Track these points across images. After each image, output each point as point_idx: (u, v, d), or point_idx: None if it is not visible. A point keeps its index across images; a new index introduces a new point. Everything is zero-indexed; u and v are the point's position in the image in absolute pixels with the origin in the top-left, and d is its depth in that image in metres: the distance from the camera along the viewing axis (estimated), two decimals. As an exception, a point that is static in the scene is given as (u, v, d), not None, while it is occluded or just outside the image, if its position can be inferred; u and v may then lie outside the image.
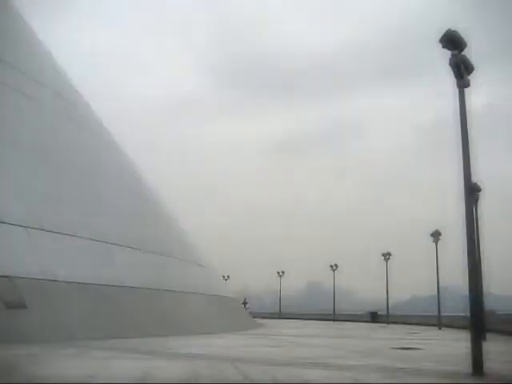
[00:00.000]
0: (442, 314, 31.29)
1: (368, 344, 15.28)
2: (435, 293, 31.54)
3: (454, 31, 8.37)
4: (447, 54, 8.46)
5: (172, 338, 14.15)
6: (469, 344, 7.88)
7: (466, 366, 7.85)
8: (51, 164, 16.41)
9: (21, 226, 13.07)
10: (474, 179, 9.36)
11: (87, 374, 6.48)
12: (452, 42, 8.36)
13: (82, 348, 9.86)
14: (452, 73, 8.53)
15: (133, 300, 15.85)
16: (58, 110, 19.00)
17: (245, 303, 43.38)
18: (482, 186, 19.81)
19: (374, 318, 45.03)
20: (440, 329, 28.93)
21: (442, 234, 30.21)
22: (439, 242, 30.17)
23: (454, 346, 14.98)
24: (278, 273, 58.04)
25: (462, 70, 8.42)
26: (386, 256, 41.74)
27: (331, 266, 49.50)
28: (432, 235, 30.33)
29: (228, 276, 55.57)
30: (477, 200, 19.37)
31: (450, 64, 8.45)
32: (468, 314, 8.23)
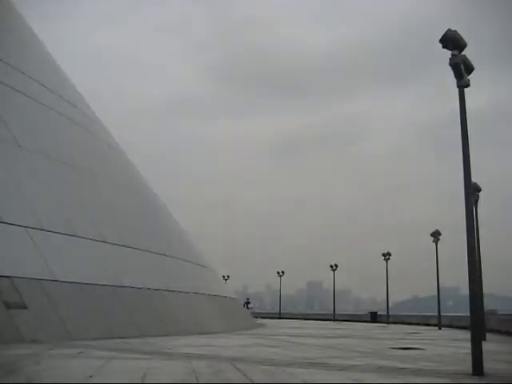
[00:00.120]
0: (442, 314, 31.30)
1: (368, 344, 15.28)
2: (435, 293, 31.55)
3: (454, 31, 8.38)
4: (447, 53, 8.48)
5: (172, 338, 14.16)
6: (469, 344, 7.88)
7: (466, 365, 7.85)
8: (51, 164, 16.40)
9: (21, 226, 13.06)
10: (474, 179, 9.37)
11: (87, 374, 6.47)
12: (452, 41, 8.37)
13: (81, 348, 9.86)
14: (452, 73, 8.55)
15: (133, 300, 15.85)
16: (58, 110, 18.98)
17: (247, 303, 43.36)
18: (481, 186, 19.86)
19: (373, 318, 45.04)
20: (440, 329, 28.93)
21: (442, 234, 30.23)
22: (439, 242, 30.19)
23: (454, 346, 14.98)
24: (278, 273, 58.04)
25: (461, 70, 8.43)
26: (386, 256, 41.77)
27: (331, 266, 49.48)
28: (432, 235, 30.33)
29: (228, 276, 55.64)
30: (477, 200, 19.39)
31: (450, 64, 8.46)
32: (468, 314, 8.22)
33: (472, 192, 10.15)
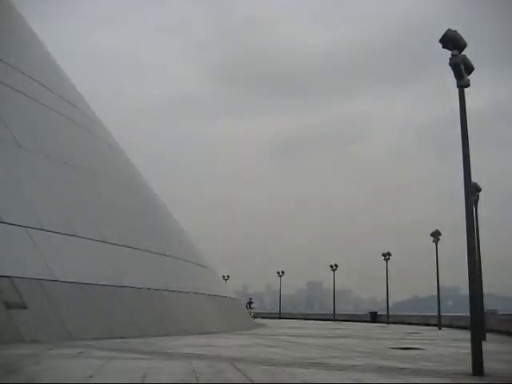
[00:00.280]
0: (442, 314, 31.31)
1: (368, 344, 15.28)
2: (435, 293, 31.55)
3: (454, 31, 8.38)
4: (447, 53, 8.48)
5: (172, 338, 14.16)
6: (469, 344, 7.88)
7: (466, 365, 7.86)
8: (51, 164, 16.40)
9: (21, 226, 13.06)
10: (474, 179, 9.37)
11: (87, 374, 6.47)
12: (452, 41, 8.37)
13: (81, 348, 9.86)
14: (452, 73, 8.55)
15: (133, 300, 15.85)
16: (58, 110, 18.98)
17: (250, 303, 43.29)
18: (481, 186, 19.87)
19: (373, 318, 45.05)
20: (440, 329, 28.93)
21: (442, 234, 30.23)
22: (439, 242, 30.19)
23: (454, 346, 14.99)
24: (278, 273, 58.04)
25: (461, 70, 8.43)
26: (386, 256, 41.78)
27: (331, 266, 49.49)
28: (432, 235, 30.33)
29: (228, 276, 55.66)
30: (477, 200, 19.39)
31: (450, 64, 8.46)
32: (468, 314, 8.22)
33: (472, 192, 10.15)
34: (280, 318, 52.79)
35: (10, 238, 12.66)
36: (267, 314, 58.55)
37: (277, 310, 59.87)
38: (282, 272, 57.83)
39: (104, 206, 18.29)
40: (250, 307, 42.55)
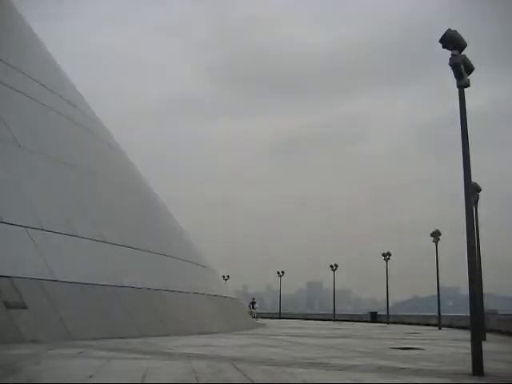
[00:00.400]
0: (442, 314, 31.30)
1: (368, 344, 15.28)
2: (435, 293, 31.55)
3: (454, 31, 8.38)
4: (447, 53, 8.48)
5: (172, 338, 14.16)
6: (469, 344, 7.88)
7: (466, 365, 7.86)
8: (51, 164, 16.40)
9: (21, 226, 13.06)
10: (474, 179, 9.37)
11: (87, 374, 6.47)
12: (452, 41, 8.37)
13: (81, 348, 9.86)
14: (452, 73, 8.55)
15: (133, 300, 15.85)
16: (58, 110, 18.98)
17: (253, 303, 43.21)
18: (481, 186, 19.87)
19: (373, 318, 45.05)
20: (440, 329, 28.93)
21: (442, 234, 30.22)
22: (439, 242, 30.18)
23: (454, 346, 14.99)
24: (278, 273, 58.03)
25: (461, 70, 8.43)
26: (386, 256, 41.77)
27: (331, 266, 49.48)
28: (432, 235, 30.32)
29: (228, 276, 55.66)
30: (477, 200, 19.39)
31: (450, 64, 8.46)
32: (468, 314, 8.22)
33: (472, 192, 10.14)
34: (280, 318, 52.79)
35: (9, 237, 12.66)
36: (267, 314, 58.54)
37: (277, 310, 59.85)
38: (282, 272, 57.82)
39: (104, 206, 18.29)
40: (253, 307, 42.46)
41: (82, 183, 17.67)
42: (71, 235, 14.75)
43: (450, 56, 8.44)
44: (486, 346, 8.53)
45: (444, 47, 8.44)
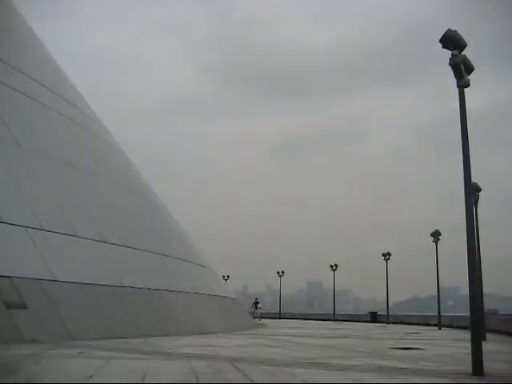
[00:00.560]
0: (442, 314, 31.30)
1: (368, 344, 15.28)
2: (435, 293, 31.54)
3: (454, 31, 8.38)
4: (447, 53, 8.47)
5: (172, 338, 14.16)
6: (469, 344, 7.88)
7: (466, 365, 7.86)
8: (51, 164, 16.40)
9: (21, 226, 13.06)
10: (474, 179, 9.37)
11: (87, 374, 6.47)
12: (452, 41, 8.36)
13: (81, 348, 9.86)
14: (452, 73, 8.54)
15: (133, 300, 15.85)
16: (58, 110, 18.98)
17: (256, 303, 43.17)
18: (481, 186, 19.87)
19: (373, 318, 45.05)
20: (440, 329, 28.93)
21: (442, 234, 30.22)
22: (439, 242, 30.18)
23: (454, 346, 14.99)
24: (278, 273, 58.02)
25: (461, 70, 8.42)
26: (386, 256, 41.77)
27: (331, 266, 49.47)
28: (432, 235, 30.32)
29: (228, 276, 55.68)
30: (477, 200, 19.39)
31: (450, 64, 8.46)
32: (468, 314, 8.22)
33: (472, 192, 10.14)
34: (280, 318, 52.79)
35: (10, 237, 12.66)
36: (267, 313, 58.55)
37: (277, 309, 59.85)
38: (282, 272, 57.82)
39: (104, 206, 18.29)
40: (256, 307, 42.38)
41: (82, 183, 17.67)
42: (71, 235, 14.75)
43: (449, 56, 8.44)
44: (486, 346, 8.53)
45: (444, 47, 8.44)
